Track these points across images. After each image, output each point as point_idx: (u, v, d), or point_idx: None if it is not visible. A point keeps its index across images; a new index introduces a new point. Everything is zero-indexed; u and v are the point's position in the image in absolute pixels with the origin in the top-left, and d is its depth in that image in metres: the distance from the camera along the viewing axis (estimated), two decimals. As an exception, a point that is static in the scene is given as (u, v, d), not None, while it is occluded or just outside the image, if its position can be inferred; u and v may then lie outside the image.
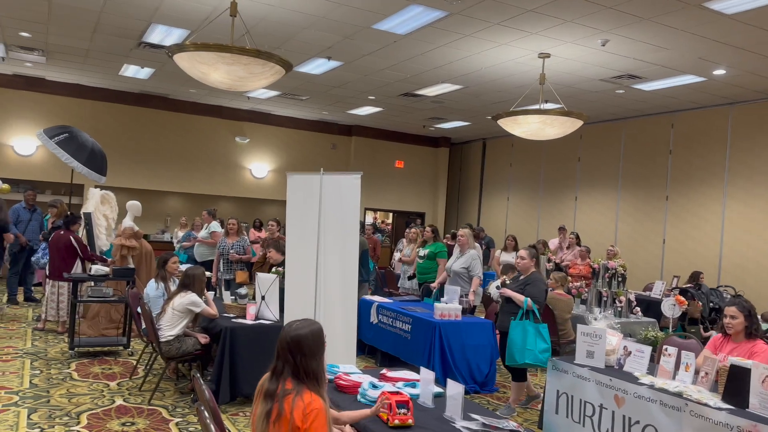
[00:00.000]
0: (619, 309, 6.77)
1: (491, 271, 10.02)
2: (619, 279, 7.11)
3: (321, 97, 11.79)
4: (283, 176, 14.49)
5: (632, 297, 7.04)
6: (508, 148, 14.76)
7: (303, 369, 2.34)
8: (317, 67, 9.37)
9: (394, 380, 3.34)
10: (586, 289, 7.36)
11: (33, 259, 8.52)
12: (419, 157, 16.07)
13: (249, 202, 14.66)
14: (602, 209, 12.31)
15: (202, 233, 9.00)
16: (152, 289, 5.67)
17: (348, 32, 7.65)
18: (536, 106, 7.89)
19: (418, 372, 3.73)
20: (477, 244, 7.97)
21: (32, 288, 9.36)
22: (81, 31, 8.33)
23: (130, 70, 10.50)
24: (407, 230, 11.76)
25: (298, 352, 2.35)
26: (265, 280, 5.39)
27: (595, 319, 4.66)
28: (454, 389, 2.93)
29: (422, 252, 7.69)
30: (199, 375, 2.83)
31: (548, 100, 9.30)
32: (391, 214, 17.00)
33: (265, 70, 5.82)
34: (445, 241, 8.81)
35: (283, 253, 6.03)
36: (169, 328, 5.00)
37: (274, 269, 6.09)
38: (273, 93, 11.61)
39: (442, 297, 6.32)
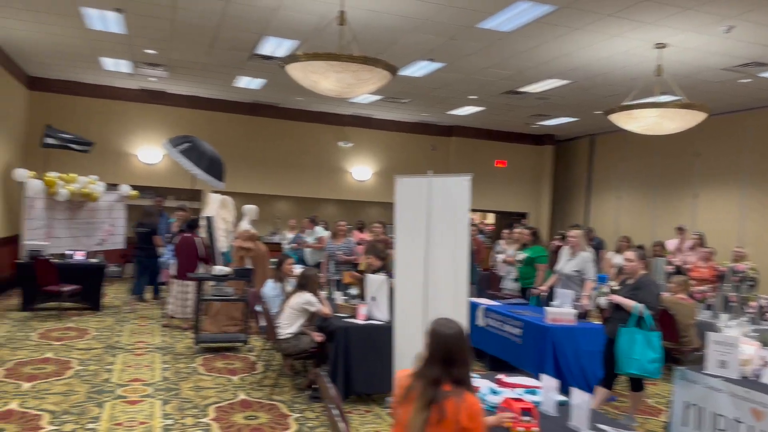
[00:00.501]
0: (752, 315, 6.25)
1: (603, 274, 9.58)
2: (750, 283, 6.57)
3: (422, 99, 11.84)
4: (385, 179, 14.70)
5: (765, 302, 6.48)
6: (619, 143, 14.06)
7: (460, 371, 2.36)
8: (419, 69, 9.42)
9: (513, 386, 3.28)
10: (712, 294, 6.86)
11: (161, 260, 9.18)
12: (522, 156, 15.70)
13: (351, 205, 14.99)
14: (724, 207, 11.41)
15: (309, 239, 9.30)
16: (270, 288, 5.95)
17: (451, 33, 7.62)
18: (650, 99, 7.47)
19: (532, 377, 3.65)
20: (590, 247, 7.66)
21: (159, 287, 10.11)
22: (199, 47, 8.90)
23: (243, 81, 11.08)
24: (503, 231, 11.54)
25: (456, 355, 2.37)
26: (374, 281, 5.49)
27: (728, 327, 4.33)
28: (580, 398, 2.83)
29: (520, 256, 7.51)
30: (324, 373, 2.93)
31: (664, 92, 8.77)
32: (492, 215, 16.74)
33: (372, 76, 5.93)
34: (554, 243, 8.54)
35: (382, 258, 6.11)
36: (287, 326, 5.22)
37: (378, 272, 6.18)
38: (375, 97, 11.81)
39: (552, 301, 6.14)
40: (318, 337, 5.30)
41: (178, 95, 12.81)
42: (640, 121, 7.15)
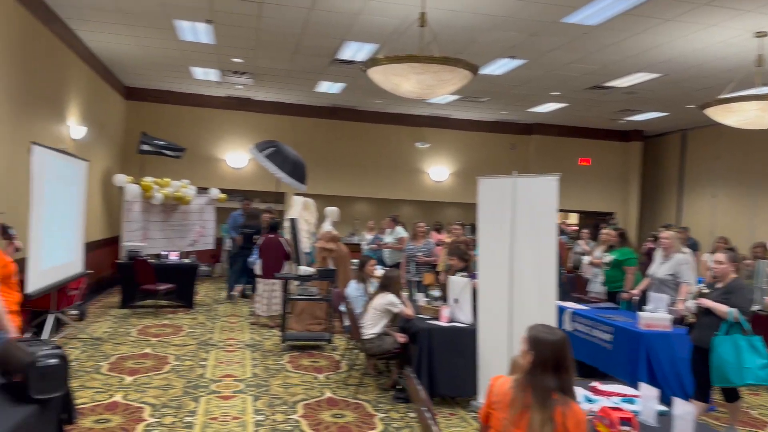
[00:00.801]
0: None
1: (700, 277, 9.06)
2: None
3: (501, 97, 11.65)
4: (462, 179, 14.58)
5: None
6: (713, 139, 13.24)
7: (567, 380, 2.33)
8: (499, 67, 9.28)
9: (609, 394, 3.16)
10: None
11: (249, 260, 9.51)
12: (607, 153, 15.11)
13: (429, 205, 14.97)
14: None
15: (389, 239, 9.36)
16: (353, 289, 6.04)
17: (534, 29, 7.45)
18: (751, 92, 6.98)
19: (626, 385, 3.50)
20: (686, 248, 7.27)
21: (248, 286, 10.50)
22: (283, 54, 9.18)
23: (324, 86, 11.32)
24: (582, 230, 11.13)
25: (564, 362, 2.34)
26: (457, 283, 5.45)
27: None
28: (683, 408, 2.68)
29: (606, 258, 7.21)
30: (413, 375, 2.94)
31: (766, 84, 8.17)
32: (574, 215, 16.21)
33: (453, 76, 5.89)
34: (646, 245, 8.16)
35: (464, 260, 6.05)
36: (371, 326, 5.28)
37: (459, 273, 6.13)
38: (453, 97, 11.73)
39: (644, 306, 5.87)
40: (401, 338, 5.33)
41: (262, 101, 13.26)
42: (739, 115, 6.70)
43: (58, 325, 6.86)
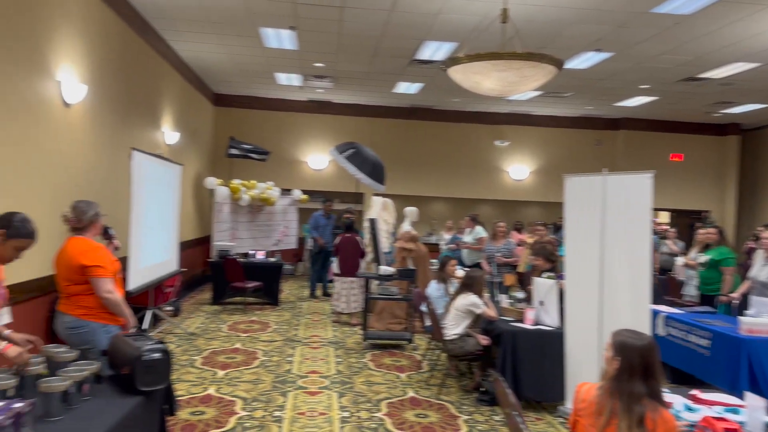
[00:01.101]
0: None
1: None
2: None
3: (586, 91, 11.27)
4: (543, 177, 14.22)
5: None
6: (821, 130, 12.22)
7: (655, 386, 2.28)
8: (584, 61, 8.98)
9: (710, 403, 2.99)
10: None
11: (332, 259, 9.70)
12: (701, 148, 14.28)
13: (508, 205, 14.71)
14: None
15: (468, 239, 9.27)
16: (434, 289, 6.04)
17: (621, 21, 7.16)
18: None
19: (726, 393, 3.31)
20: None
21: (328, 284, 10.73)
22: (363, 56, 9.31)
23: (402, 87, 11.38)
24: (669, 229, 10.54)
25: (653, 368, 2.30)
26: (542, 285, 5.32)
27: None
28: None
29: (702, 258, 6.80)
30: (502, 378, 2.91)
31: None
32: (665, 213, 15.41)
33: (537, 72, 5.76)
34: (747, 245, 7.64)
35: (551, 261, 5.90)
36: (453, 327, 5.26)
37: (545, 275, 5.98)
38: (534, 93, 11.46)
39: (746, 310, 5.50)
40: (484, 340, 5.27)
41: (342, 104, 13.50)
42: None
43: (155, 320, 7.29)
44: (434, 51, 8.68)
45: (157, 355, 2.90)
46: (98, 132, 6.46)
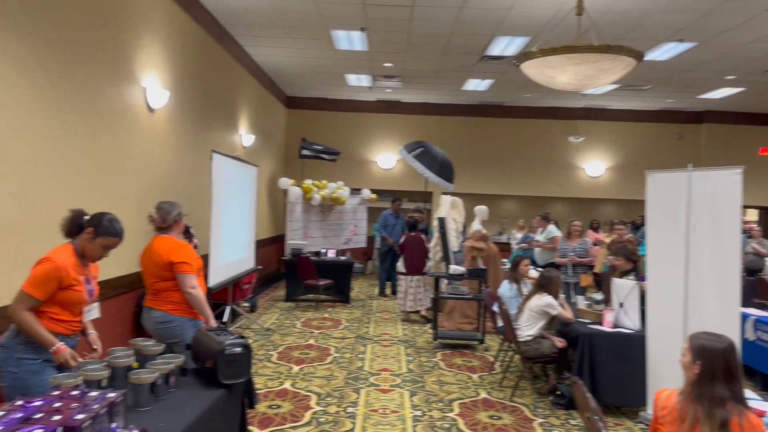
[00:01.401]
0: None
1: None
2: None
3: (667, 84, 10.75)
4: (621, 174, 13.69)
5: None
6: None
7: (738, 388, 2.21)
8: (665, 52, 8.57)
9: (813, 415, 2.78)
10: None
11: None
12: (794, 142, 13.34)
13: (583, 203, 14.26)
14: None
15: (540, 238, 9.05)
16: (506, 289, 5.93)
17: (705, 9, 6.78)
18: None
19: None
20: None
21: (397, 283, 10.77)
22: (432, 55, 9.27)
23: (472, 84, 11.26)
24: (751, 226, 9.85)
25: (735, 371, 2.24)
26: (622, 286, 5.12)
27: None
28: None
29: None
30: (581, 381, 2.82)
31: None
32: (754, 211, 14.49)
33: (615, 65, 5.55)
34: None
35: (632, 260, 5.66)
36: (527, 328, 5.15)
37: (624, 276, 5.74)
38: (611, 87, 11.05)
39: None
40: (559, 342, 5.13)
41: (410, 103, 13.51)
42: None
43: (233, 316, 7.55)
44: (505, 46, 8.53)
45: (238, 350, 2.99)
46: (180, 135, 6.76)
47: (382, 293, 10.47)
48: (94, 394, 2.39)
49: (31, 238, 3.92)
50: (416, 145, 10.00)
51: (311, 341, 7.00)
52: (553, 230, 8.90)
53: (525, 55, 5.71)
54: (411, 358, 6.42)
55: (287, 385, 5.34)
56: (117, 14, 5.22)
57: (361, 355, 6.45)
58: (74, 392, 2.42)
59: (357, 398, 5.05)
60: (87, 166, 4.79)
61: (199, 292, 3.81)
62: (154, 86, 5.92)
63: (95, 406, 2.22)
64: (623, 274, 5.54)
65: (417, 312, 8.50)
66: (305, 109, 13.51)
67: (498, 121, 13.75)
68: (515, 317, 5.32)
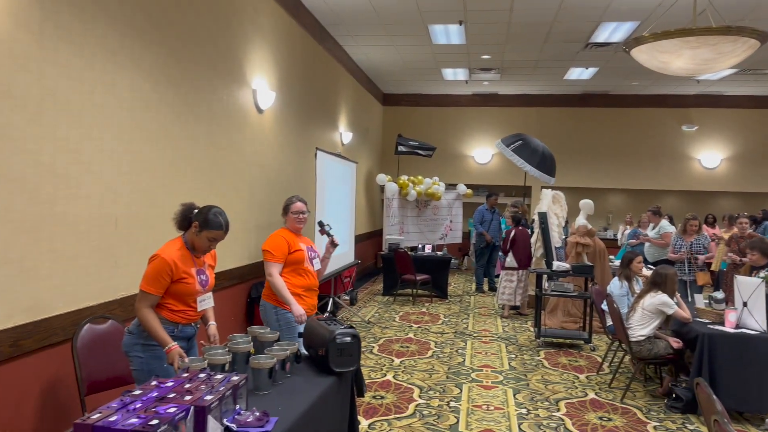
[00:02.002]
0: None
1: None
2: None
3: (794, 66, 9.83)
4: (740, 164, 12.67)
5: None
6: None
7: None
8: (793, 30, 7.82)
9: None
10: None
11: (500, 254, 9.57)
12: None
13: (697, 196, 13.35)
14: None
15: (651, 233, 8.57)
16: (616, 287, 5.68)
17: None
18: None
19: None
20: None
21: (495, 279, 10.62)
22: (532, 44, 9.03)
23: (574, 73, 10.85)
24: None
25: None
26: (746, 284, 4.74)
27: None
28: None
29: None
30: (704, 382, 2.65)
31: None
32: None
33: (736, 47, 5.16)
34: None
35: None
36: (640, 327, 4.90)
37: (762, 273, 5.30)
38: (728, 71, 10.25)
39: None
40: (675, 343, 4.84)
41: (508, 95, 13.24)
42: None
43: (335, 308, 7.76)
44: (612, 32, 8.15)
45: (348, 339, 3.08)
46: (285, 134, 7.04)
47: (479, 289, 10.37)
48: (219, 377, 2.55)
49: (157, 231, 4.22)
50: (515, 138, 9.79)
51: (410, 335, 7.06)
52: (665, 225, 8.39)
53: (635, 41, 5.43)
54: (513, 356, 6.31)
55: (390, 376, 5.42)
56: (229, 20, 5.51)
57: (461, 351, 6.42)
58: (201, 375, 2.60)
59: (459, 393, 5.03)
60: (204, 164, 5.10)
61: (275, 280, 3.99)
62: (262, 88, 6.20)
63: (221, 389, 2.36)
64: (752, 270, 5.13)
65: (517, 308, 8.36)
66: (401, 106, 13.62)
67: (603, 111, 13.16)
68: (627, 316, 5.08)
